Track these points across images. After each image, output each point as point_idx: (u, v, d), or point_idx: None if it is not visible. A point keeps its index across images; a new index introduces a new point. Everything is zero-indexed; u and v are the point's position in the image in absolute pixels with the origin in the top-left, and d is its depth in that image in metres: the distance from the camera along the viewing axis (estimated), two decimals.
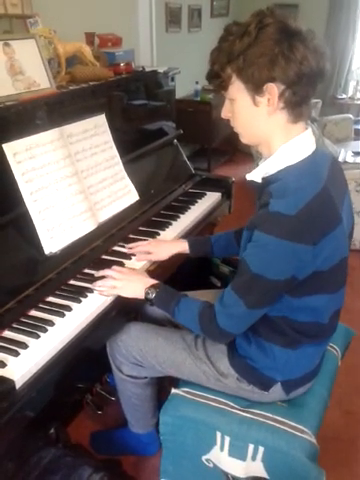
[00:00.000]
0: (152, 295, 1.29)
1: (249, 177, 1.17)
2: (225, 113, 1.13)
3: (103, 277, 1.39)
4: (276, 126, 1.07)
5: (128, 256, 1.54)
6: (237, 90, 1.06)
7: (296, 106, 1.04)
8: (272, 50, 0.96)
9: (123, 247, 1.60)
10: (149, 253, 1.54)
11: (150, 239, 1.64)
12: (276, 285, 1.05)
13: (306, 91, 1.02)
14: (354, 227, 1.23)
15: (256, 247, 1.05)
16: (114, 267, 1.42)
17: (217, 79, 1.08)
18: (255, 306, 1.10)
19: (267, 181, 1.11)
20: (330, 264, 1.06)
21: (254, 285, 1.07)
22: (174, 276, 1.69)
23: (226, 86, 1.08)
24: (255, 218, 1.08)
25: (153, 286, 1.31)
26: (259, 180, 1.14)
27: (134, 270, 1.45)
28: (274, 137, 1.09)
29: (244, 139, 1.16)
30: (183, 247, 1.57)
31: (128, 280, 1.36)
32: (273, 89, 1.00)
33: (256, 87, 1.01)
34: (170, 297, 1.29)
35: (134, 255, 1.55)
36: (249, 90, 1.03)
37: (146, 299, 1.31)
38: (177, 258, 1.59)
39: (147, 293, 1.30)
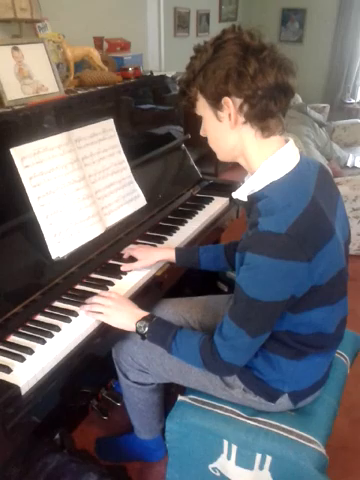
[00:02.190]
0: (145, 329, 1.21)
1: (235, 195, 1.15)
2: (201, 132, 1.14)
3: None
4: (245, 141, 1.05)
5: (134, 259, 1.52)
6: (202, 107, 1.07)
7: (258, 120, 1.01)
8: (228, 64, 0.97)
9: None
10: (136, 260, 1.49)
11: (141, 245, 1.61)
12: (275, 307, 1.02)
13: (266, 105, 0.99)
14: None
15: (249, 270, 1.01)
16: (101, 292, 1.34)
17: (185, 96, 1.09)
18: (258, 333, 1.07)
19: (254, 198, 1.08)
20: (327, 277, 1.04)
21: (252, 311, 1.03)
22: (181, 281, 1.68)
23: (194, 103, 1.08)
24: (246, 240, 1.04)
25: (145, 318, 1.22)
26: (244, 198, 1.12)
27: (122, 297, 1.32)
28: (248, 153, 1.07)
29: (219, 156, 1.15)
30: (170, 255, 1.53)
31: (116, 308, 1.26)
32: (229, 103, 1.00)
33: (215, 102, 1.02)
34: (165, 331, 1.20)
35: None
36: (211, 106, 1.04)
37: (137, 332, 1.22)
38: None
39: (139, 327, 1.21)
